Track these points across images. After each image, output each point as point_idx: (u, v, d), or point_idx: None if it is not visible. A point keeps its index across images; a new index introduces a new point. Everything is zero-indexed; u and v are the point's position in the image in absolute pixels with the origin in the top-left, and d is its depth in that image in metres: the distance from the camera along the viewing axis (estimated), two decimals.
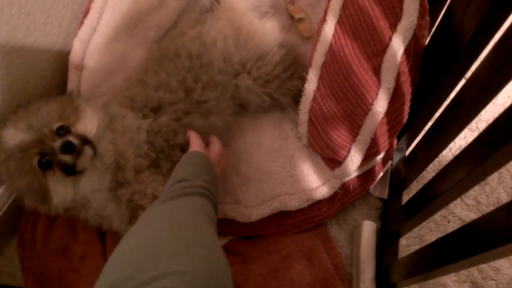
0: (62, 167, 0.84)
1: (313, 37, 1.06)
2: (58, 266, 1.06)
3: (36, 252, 1.09)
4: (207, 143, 1.00)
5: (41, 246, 1.09)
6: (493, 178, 1.17)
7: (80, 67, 1.09)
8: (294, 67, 1.10)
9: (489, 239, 0.58)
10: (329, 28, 0.93)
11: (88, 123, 0.89)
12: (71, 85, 1.11)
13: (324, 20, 0.95)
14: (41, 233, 1.11)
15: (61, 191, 0.85)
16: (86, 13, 1.11)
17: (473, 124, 1.23)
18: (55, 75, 1.15)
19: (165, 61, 1.05)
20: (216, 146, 0.97)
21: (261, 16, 1.17)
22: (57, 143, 0.82)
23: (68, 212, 0.92)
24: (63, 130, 0.86)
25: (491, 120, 0.63)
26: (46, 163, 0.83)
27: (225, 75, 1.06)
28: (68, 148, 0.82)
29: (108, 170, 0.89)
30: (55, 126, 0.85)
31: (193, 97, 1.02)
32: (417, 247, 1.09)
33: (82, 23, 1.10)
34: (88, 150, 0.85)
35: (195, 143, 0.91)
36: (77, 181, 0.87)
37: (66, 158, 0.82)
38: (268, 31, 1.11)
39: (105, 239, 1.11)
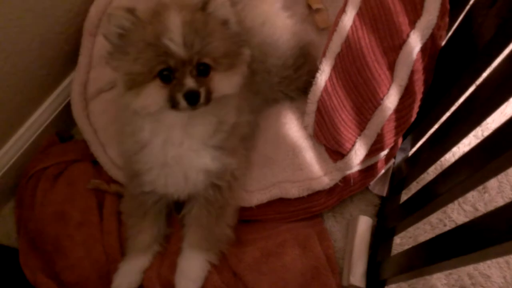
0: (169, 100, 0.83)
1: (329, 28, 1.06)
2: (54, 231, 1.07)
3: (34, 215, 1.10)
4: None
5: (39, 209, 1.10)
6: (493, 187, 1.17)
7: (94, 34, 1.09)
8: (304, 67, 1.12)
9: (480, 239, 0.59)
10: (348, 19, 0.93)
11: (228, 85, 0.88)
12: (84, 51, 1.12)
13: (343, 11, 0.95)
14: (41, 196, 1.11)
15: (147, 101, 0.84)
16: None
17: (478, 132, 1.23)
18: (69, 40, 1.16)
19: None
20: None
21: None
22: (188, 86, 0.81)
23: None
24: (203, 67, 0.84)
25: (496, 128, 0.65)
26: (165, 77, 0.82)
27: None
28: (192, 99, 0.81)
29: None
30: (205, 60, 0.83)
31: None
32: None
33: None
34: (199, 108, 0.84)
35: None
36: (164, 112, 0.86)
37: (183, 104, 0.82)
38: (286, 31, 1.11)
39: (102, 208, 1.12)
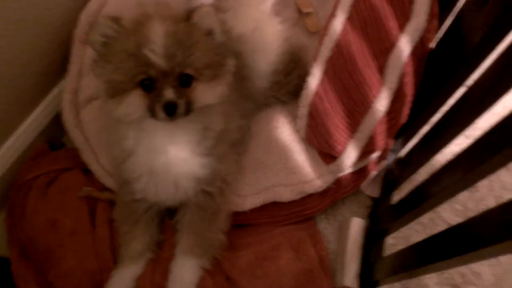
0: (149, 109, 0.83)
1: (320, 31, 1.08)
2: (46, 239, 1.07)
3: (26, 224, 1.09)
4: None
5: (31, 217, 1.10)
6: (483, 185, 1.18)
7: (85, 42, 1.10)
8: (294, 71, 1.13)
9: (474, 241, 0.60)
10: (338, 23, 0.95)
11: (210, 95, 0.88)
12: (74, 58, 1.12)
13: (333, 15, 0.96)
14: (32, 204, 1.11)
15: (127, 109, 0.84)
16: None
17: (469, 131, 1.24)
18: (60, 48, 1.17)
19: None
20: None
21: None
22: (167, 97, 0.81)
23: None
24: (185, 78, 0.84)
25: (487, 129, 0.66)
26: (147, 87, 0.82)
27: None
28: (170, 111, 0.81)
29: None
30: (188, 71, 0.83)
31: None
32: (402, 247, 1.11)
33: None
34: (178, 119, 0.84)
35: None
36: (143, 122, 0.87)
37: (161, 115, 0.82)
38: (277, 37, 1.12)
39: (95, 215, 1.11)
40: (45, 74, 1.20)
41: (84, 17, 1.10)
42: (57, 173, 1.17)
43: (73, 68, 1.16)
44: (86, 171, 1.18)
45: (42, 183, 1.15)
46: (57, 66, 1.21)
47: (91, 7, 1.10)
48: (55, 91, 1.25)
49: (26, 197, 1.13)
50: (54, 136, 1.28)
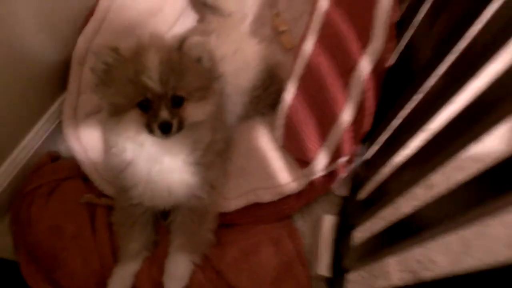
0: (146, 127, 0.92)
1: (294, 50, 1.19)
2: (51, 244, 1.13)
3: (31, 230, 1.15)
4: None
5: (35, 224, 1.15)
6: (439, 183, 1.30)
7: (83, 63, 1.18)
8: (272, 86, 1.25)
9: (420, 225, 0.70)
10: (309, 46, 1.06)
11: (199, 113, 0.98)
12: (72, 79, 1.20)
13: (304, 37, 1.08)
14: (36, 212, 1.16)
15: (127, 126, 0.94)
16: (92, 12, 1.21)
17: (423, 136, 1.36)
18: (58, 68, 1.24)
19: None
20: None
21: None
22: (162, 118, 0.90)
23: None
24: (177, 99, 0.93)
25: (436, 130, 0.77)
26: (144, 107, 0.92)
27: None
28: (165, 129, 0.91)
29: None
30: (180, 93, 0.93)
31: None
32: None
33: (87, 21, 1.20)
34: (172, 135, 0.94)
35: None
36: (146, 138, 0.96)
37: (157, 132, 0.91)
38: (256, 57, 1.24)
39: (94, 220, 1.18)
40: (45, 92, 1.25)
41: (82, 40, 1.18)
42: (57, 182, 1.23)
43: (71, 87, 1.23)
44: (85, 179, 1.24)
45: (44, 192, 1.20)
46: (56, 84, 1.26)
47: (87, 31, 1.18)
48: (54, 107, 1.29)
49: (30, 206, 1.17)
50: (54, 147, 1.33)
